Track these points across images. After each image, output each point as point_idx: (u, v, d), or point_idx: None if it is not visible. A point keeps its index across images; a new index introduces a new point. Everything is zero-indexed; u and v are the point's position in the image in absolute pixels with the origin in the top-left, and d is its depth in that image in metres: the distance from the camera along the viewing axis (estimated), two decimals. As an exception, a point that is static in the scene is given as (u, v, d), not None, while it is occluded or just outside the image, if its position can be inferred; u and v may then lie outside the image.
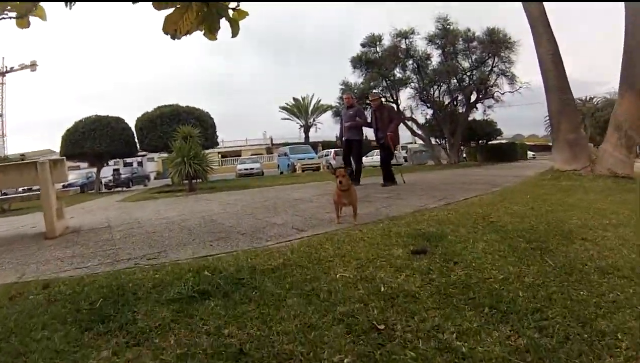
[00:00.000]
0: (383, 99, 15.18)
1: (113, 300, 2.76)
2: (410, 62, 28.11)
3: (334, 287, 2.74)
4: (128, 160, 35.96)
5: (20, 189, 19.81)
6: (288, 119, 55.14)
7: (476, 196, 7.07)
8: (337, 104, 29.27)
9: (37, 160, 6.55)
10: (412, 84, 28.64)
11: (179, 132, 15.06)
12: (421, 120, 29.88)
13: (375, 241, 3.88)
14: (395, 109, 25.85)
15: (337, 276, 2.98)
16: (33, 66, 45.94)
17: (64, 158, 6.69)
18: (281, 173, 32.04)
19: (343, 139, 11.00)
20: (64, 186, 17.42)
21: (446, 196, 7.22)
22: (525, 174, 12.09)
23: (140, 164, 40.86)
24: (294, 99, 54.13)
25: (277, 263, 3.37)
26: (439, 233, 4.01)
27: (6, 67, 43.54)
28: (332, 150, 34.48)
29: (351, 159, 11.09)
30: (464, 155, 32.10)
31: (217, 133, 26.45)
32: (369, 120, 11.38)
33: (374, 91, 22.65)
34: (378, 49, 28.47)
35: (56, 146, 25.63)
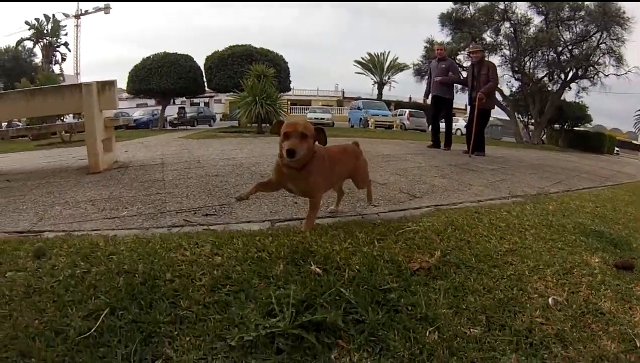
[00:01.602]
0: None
1: (128, 322, 1.35)
2: (507, 25, 24.33)
3: (567, 333, 1.51)
4: (195, 100, 35.26)
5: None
6: (362, 73, 52.15)
7: (595, 188, 5.67)
8: (420, 62, 26.62)
9: (82, 83, 5.33)
10: (502, 51, 24.90)
11: (251, 70, 13.60)
12: (506, 92, 26.70)
13: (543, 234, 2.82)
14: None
15: (549, 300, 1.77)
16: (107, 8, 46.94)
17: (115, 80, 5.41)
18: (352, 126, 29.82)
19: (431, 95, 9.20)
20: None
21: (561, 181, 5.86)
22: (627, 171, 9.72)
23: (207, 104, 39.90)
24: (369, 54, 51.39)
25: (433, 259, 2.05)
26: (619, 237, 2.96)
27: (81, 10, 44.72)
28: (407, 110, 32.02)
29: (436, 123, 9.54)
30: (543, 137, 28.48)
31: (290, 79, 24.95)
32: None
33: (474, 43, 19.84)
34: (471, 7, 25.28)
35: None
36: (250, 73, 13.54)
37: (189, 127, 27.73)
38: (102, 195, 3.78)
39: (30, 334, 1.31)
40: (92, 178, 4.76)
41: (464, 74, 11.00)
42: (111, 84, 5.34)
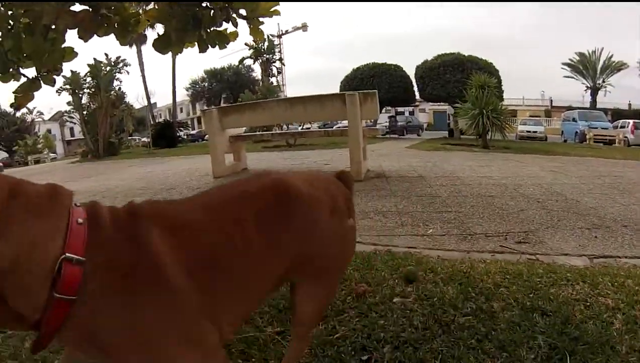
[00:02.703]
0: None
1: None
2: None
3: None
4: (399, 109, 35.41)
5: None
6: (571, 77, 46.33)
7: None
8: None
9: (345, 93, 5.61)
10: None
11: (472, 81, 13.31)
12: None
13: None
14: None
15: None
16: (304, 27, 51.08)
17: (375, 91, 5.60)
18: (565, 140, 26.80)
19: None
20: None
21: None
22: None
23: (411, 113, 39.91)
24: (579, 54, 44.93)
25: None
26: None
27: (282, 30, 49.86)
28: (631, 121, 27.63)
29: None
30: None
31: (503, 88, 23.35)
32: None
33: None
34: None
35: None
36: (472, 83, 13.20)
37: (398, 136, 27.44)
38: (387, 207, 3.90)
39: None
40: (359, 186, 4.94)
41: None
42: (373, 95, 5.55)
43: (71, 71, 19.14)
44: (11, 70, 3.38)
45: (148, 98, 31.15)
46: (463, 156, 9.06)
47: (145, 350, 0.90)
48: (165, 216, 0.98)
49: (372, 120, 11.97)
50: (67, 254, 0.79)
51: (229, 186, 1.21)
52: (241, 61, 42.86)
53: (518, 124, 29.82)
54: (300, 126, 22.29)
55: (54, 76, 3.98)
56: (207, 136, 34.40)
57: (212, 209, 1.07)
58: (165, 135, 22.67)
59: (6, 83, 3.44)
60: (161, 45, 3.31)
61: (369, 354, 1.45)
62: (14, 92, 4.58)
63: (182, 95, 44.87)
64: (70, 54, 3.61)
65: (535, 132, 26.63)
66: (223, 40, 3.72)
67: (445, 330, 1.57)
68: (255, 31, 3.77)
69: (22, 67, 3.42)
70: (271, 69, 42.39)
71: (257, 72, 42.54)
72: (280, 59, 44.20)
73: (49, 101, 60.67)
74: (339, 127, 20.60)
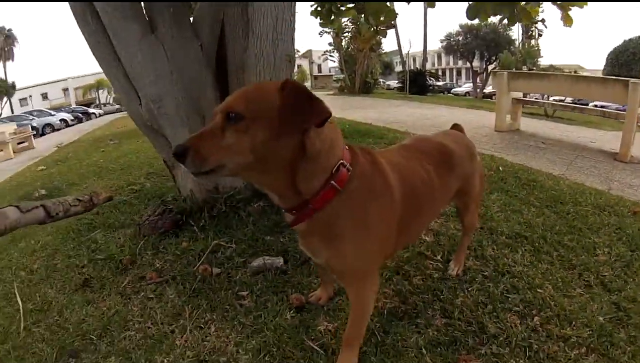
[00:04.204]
0: None
1: None
2: None
3: None
4: None
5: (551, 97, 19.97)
6: None
7: None
8: None
9: (628, 79, 6.22)
10: None
11: None
12: None
13: None
14: None
15: None
16: None
17: (660, 83, 6.05)
18: None
19: None
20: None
21: None
22: None
23: None
24: None
25: None
26: None
27: None
28: None
29: None
30: None
31: None
32: None
33: None
34: None
35: (591, 64, 24.32)
36: None
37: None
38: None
39: None
40: (622, 165, 5.77)
41: None
42: (654, 87, 6.03)
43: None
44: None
45: (399, 45, 33.86)
46: None
47: (360, 240, 1.33)
48: (390, 159, 1.50)
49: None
50: (343, 161, 1.25)
51: (415, 146, 1.75)
52: (502, 19, 41.22)
53: None
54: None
55: (387, 30, 5.28)
56: (453, 89, 35.27)
57: (413, 159, 1.61)
58: (417, 82, 24.30)
59: (324, 27, 4.93)
60: (472, 13, 3.76)
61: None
62: (360, 41, 6.48)
63: (431, 45, 46.12)
64: (394, 14, 4.64)
65: None
66: (528, 17, 4.23)
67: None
68: (567, 17, 4.26)
69: (342, 17, 4.67)
70: (532, 31, 40.25)
71: (514, 31, 40.55)
72: (543, 21, 41.52)
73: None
74: (595, 105, 19.29)
